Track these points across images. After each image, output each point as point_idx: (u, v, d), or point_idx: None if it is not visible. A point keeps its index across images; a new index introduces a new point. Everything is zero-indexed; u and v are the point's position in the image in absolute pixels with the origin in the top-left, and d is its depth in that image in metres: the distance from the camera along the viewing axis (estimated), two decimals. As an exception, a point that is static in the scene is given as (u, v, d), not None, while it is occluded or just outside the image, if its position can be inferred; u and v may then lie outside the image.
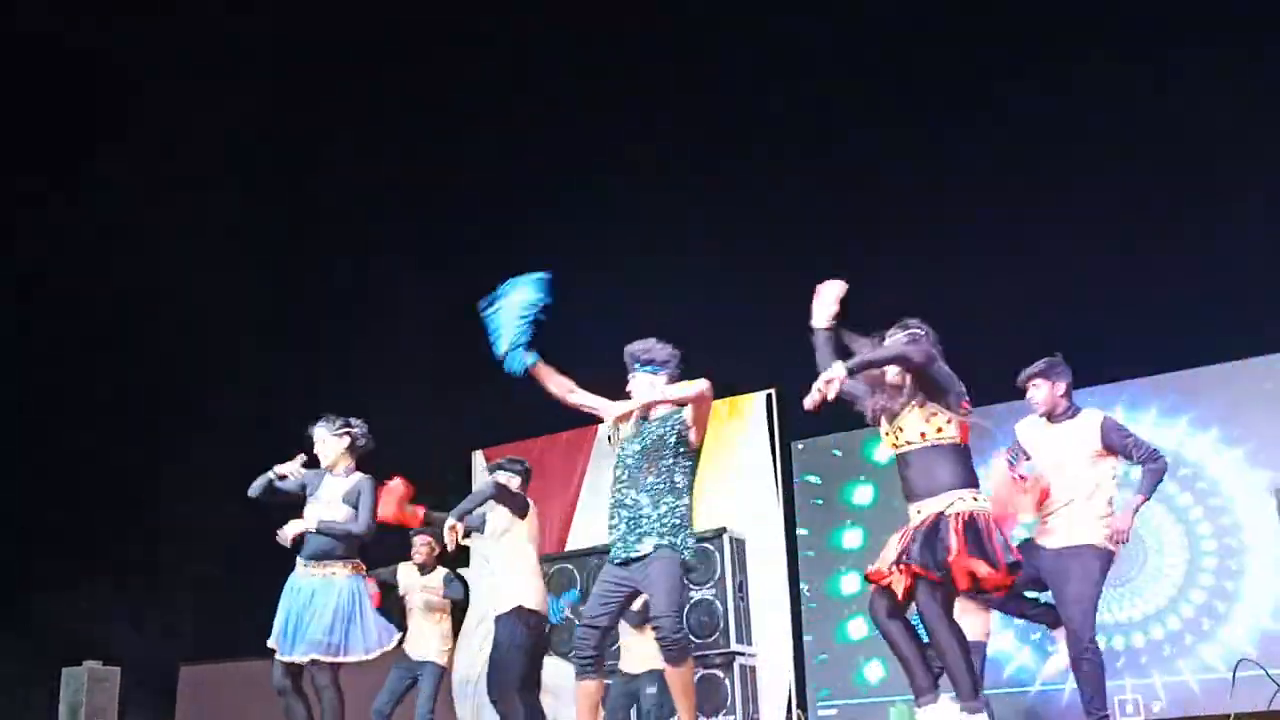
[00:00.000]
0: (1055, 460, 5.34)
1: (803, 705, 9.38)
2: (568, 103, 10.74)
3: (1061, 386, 5.42)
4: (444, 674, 7.60)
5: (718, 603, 8.21)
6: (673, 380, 5.01)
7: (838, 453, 10.05)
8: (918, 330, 4.74)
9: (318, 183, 11.21)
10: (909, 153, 9.92)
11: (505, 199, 11.22)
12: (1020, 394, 5.53)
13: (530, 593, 6.37)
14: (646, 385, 5.03)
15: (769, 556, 9.41)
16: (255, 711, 9.84)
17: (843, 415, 9.58)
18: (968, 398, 4.58)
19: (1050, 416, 5.46)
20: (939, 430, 4.53)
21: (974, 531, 4.34)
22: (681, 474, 4.85)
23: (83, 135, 11.07)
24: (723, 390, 9.79)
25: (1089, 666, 5.00)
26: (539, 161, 11.00)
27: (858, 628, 9.53)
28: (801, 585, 9.88)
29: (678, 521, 4.75)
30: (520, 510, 6.44)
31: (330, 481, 5.81)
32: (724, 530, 8.35)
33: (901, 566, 4.44)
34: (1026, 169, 9.42)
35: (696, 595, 8.24)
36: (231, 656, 10.30)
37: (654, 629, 4.68)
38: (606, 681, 4.98)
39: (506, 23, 10.57)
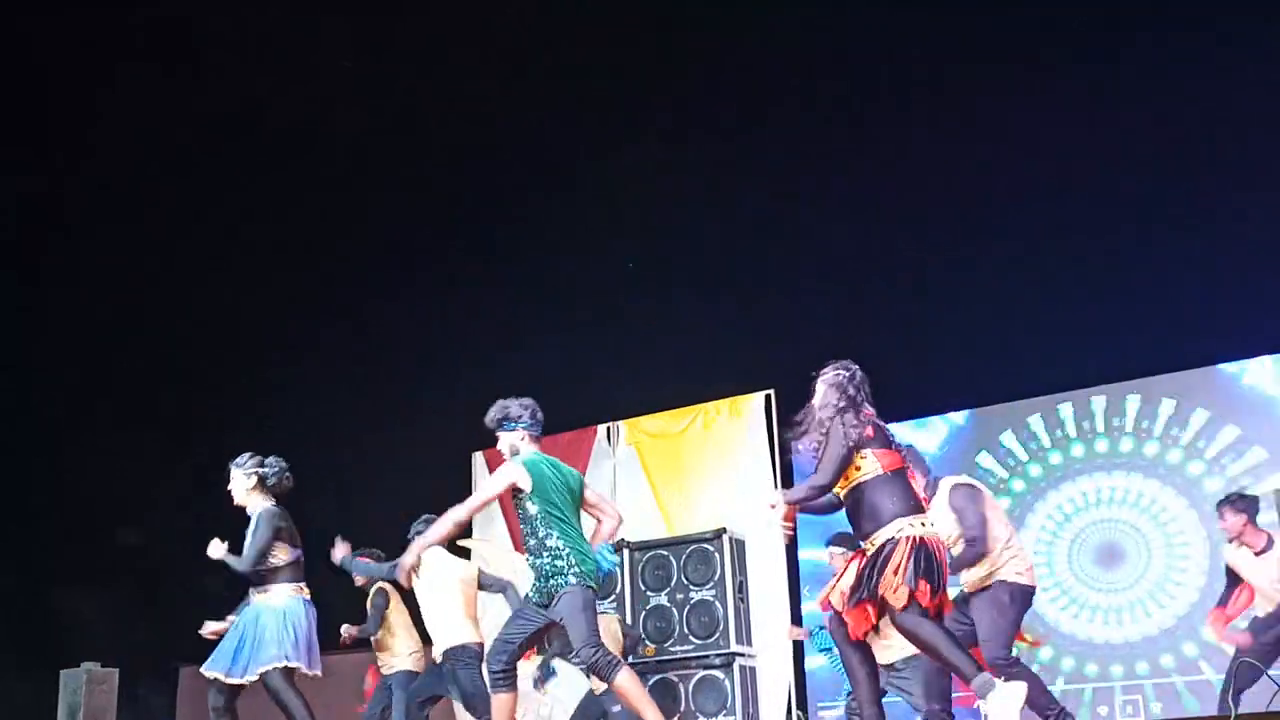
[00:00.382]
0: None
1: (803, 706, 9.38)
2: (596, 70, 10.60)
3: None
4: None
5: (717, 603, 8.20)
6: (527, 433, 5.78)
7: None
8: (837, 382, 4.82)
9: (316, 180, 11.19)
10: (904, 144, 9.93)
11: (514, 195, 11.19)
12: None
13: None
14: (506, 443, 5.72)
15: (769, 557, 9.42)
16: (255, 713, 9.85)
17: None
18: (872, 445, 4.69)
19: None
20: (857, 469, 4.68)
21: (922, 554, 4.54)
22: (545, 531, 5.30)
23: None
24: (722, 391, 9.88)
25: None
26: (540, 145, 10.95)
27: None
28: (803, 587, 9.89)
29: (563, 564, 5.21)
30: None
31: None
32: (724, 531, 8.34)
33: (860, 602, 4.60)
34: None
35: (696, 596, 8.23)
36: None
37: (577, 660, 5.16)
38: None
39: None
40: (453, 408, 10.89)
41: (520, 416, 5.71)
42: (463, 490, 10.67)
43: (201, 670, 5.76)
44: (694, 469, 9.52)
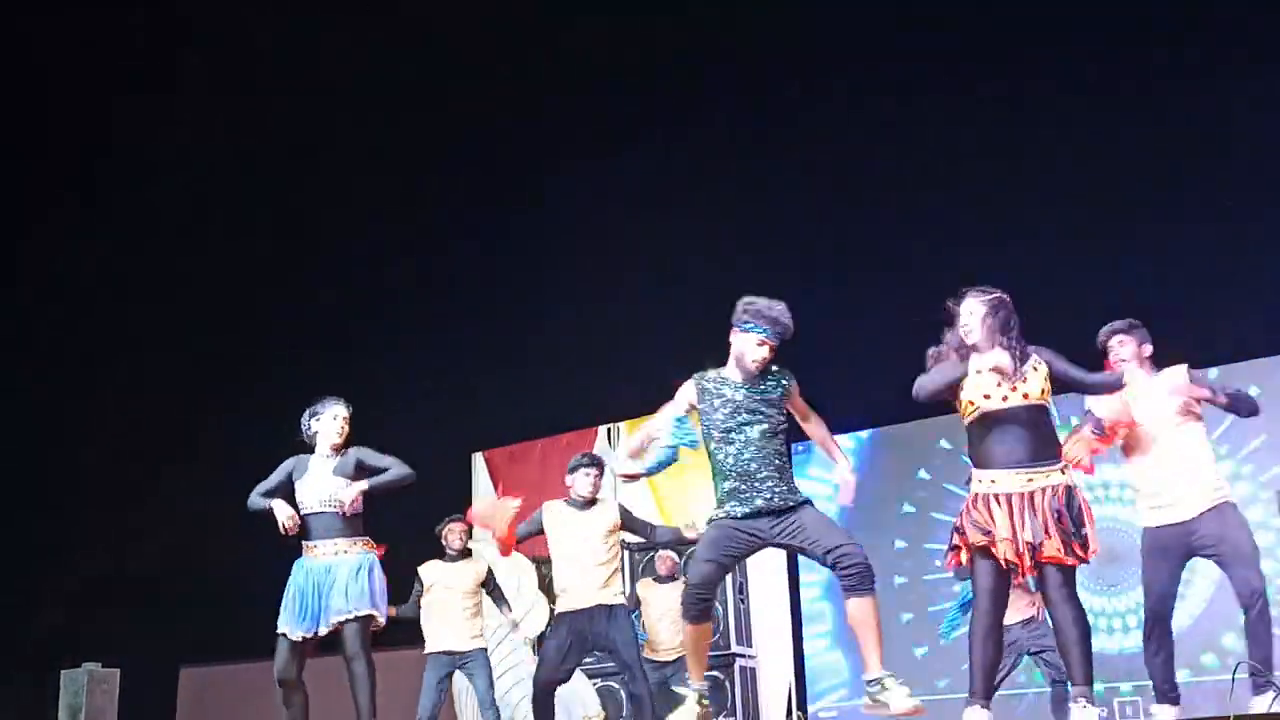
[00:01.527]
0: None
1: (803, 706, 9.39)
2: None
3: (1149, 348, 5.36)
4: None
5: (718, 604, 8.21)
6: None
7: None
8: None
9: (316, 180, 11.18)
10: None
11: (513, 193, 11.16)
12: None
13: None
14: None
15: (769, 557, 9.43)
16: (255, 713, 9.84)
17: (844, 417, 9.56)
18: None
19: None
20: (1042, 392, 4.50)
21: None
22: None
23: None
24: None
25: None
26: (526, 144, 10.91)
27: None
28: (801, 589, 9.88)
29: None
30: None
31: (319, 462, 5.68)
32: (724, 531, 8.34)
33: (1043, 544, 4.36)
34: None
35: (697, 596, 8.23)
36: (232, 658, 10.30)
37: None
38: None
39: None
40: (454, 408, 10.93)
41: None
42: (463, 492, 10.70)
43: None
44: (696, 470, 9.50)
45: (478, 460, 11.02)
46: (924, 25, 9.67)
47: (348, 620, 5.40)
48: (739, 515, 4.58)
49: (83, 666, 9.19)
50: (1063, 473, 4.48)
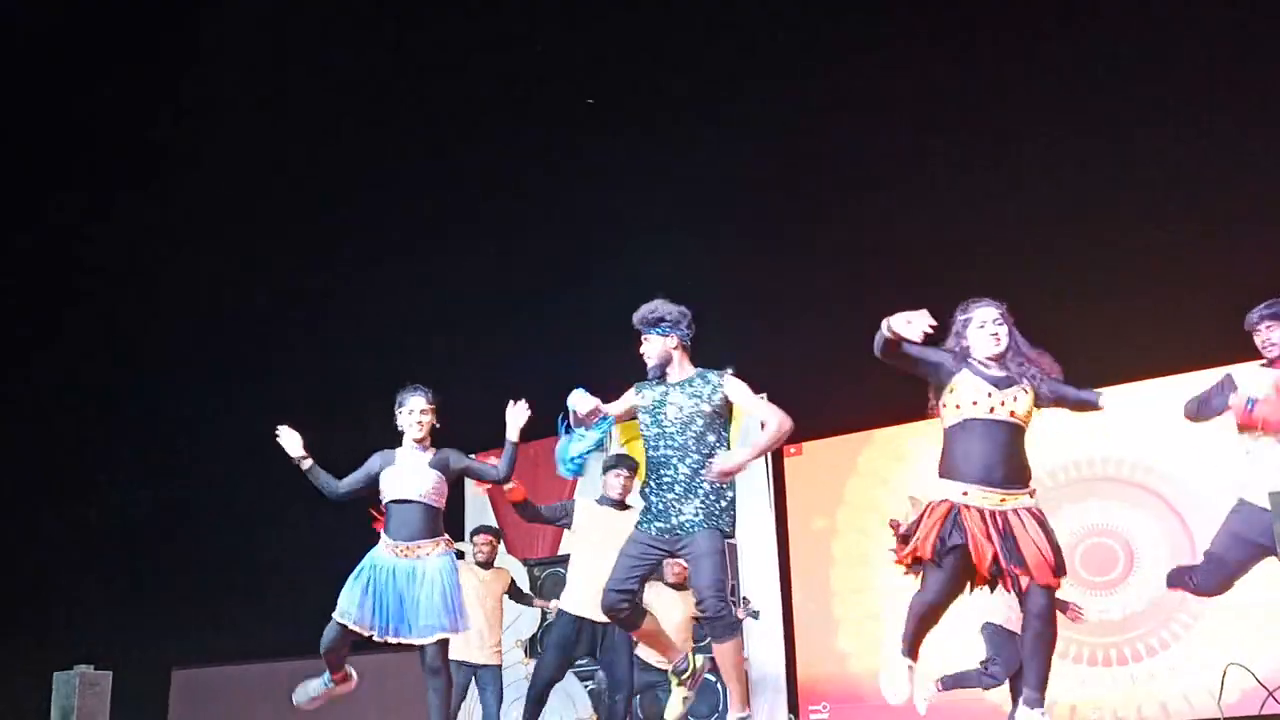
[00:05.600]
0: None
1: (794, 709, 9.40)
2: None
3: None
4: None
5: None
6: (682, 344, 4.95)
7: (829, 456, 10.02)
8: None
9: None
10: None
11: (483, 189, 11.06)
12: None
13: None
14: (659, 346, 4.92)
15: (761, 560, 9.45)
16: (247, 716, 9.84)
17: (835, 420, 9.59)
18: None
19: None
20: (1027, 414, 4.52)
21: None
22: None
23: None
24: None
25: None
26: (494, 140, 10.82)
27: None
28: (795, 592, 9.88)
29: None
30: None
31: (409, 456, 5.69)
32: (716, 533, 8.34)
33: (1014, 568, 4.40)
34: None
35: (688, 598, 8.24)
36: (224, 661, 10.30)
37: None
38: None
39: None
40: (451, 412, 10.84)
41: (679, 322, 5.03)
42: (458, 494, 10.64)
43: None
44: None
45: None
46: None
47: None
48: (645, 529, 4.81)
49: (74, 668, 9.18)
50: (1030, 496, 4.50)
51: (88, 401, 11.64)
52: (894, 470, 9.40)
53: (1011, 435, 4.44)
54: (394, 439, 5.82)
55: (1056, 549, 4.41)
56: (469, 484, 10.87)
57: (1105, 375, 6.01)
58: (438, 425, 5.80)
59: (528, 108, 10.54)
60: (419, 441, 5.69)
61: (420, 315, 10.83)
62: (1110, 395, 4.69)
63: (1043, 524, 4.41)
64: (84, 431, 11.59)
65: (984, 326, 4.55)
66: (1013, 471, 4.43)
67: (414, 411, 5.70)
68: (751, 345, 8.99)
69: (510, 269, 10.88)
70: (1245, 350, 5.77)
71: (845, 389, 8.77)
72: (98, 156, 11.11)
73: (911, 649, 4.60)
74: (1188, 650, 8.26)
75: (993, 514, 4.38)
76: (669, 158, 9.99)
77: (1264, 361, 5.61)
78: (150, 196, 11.13)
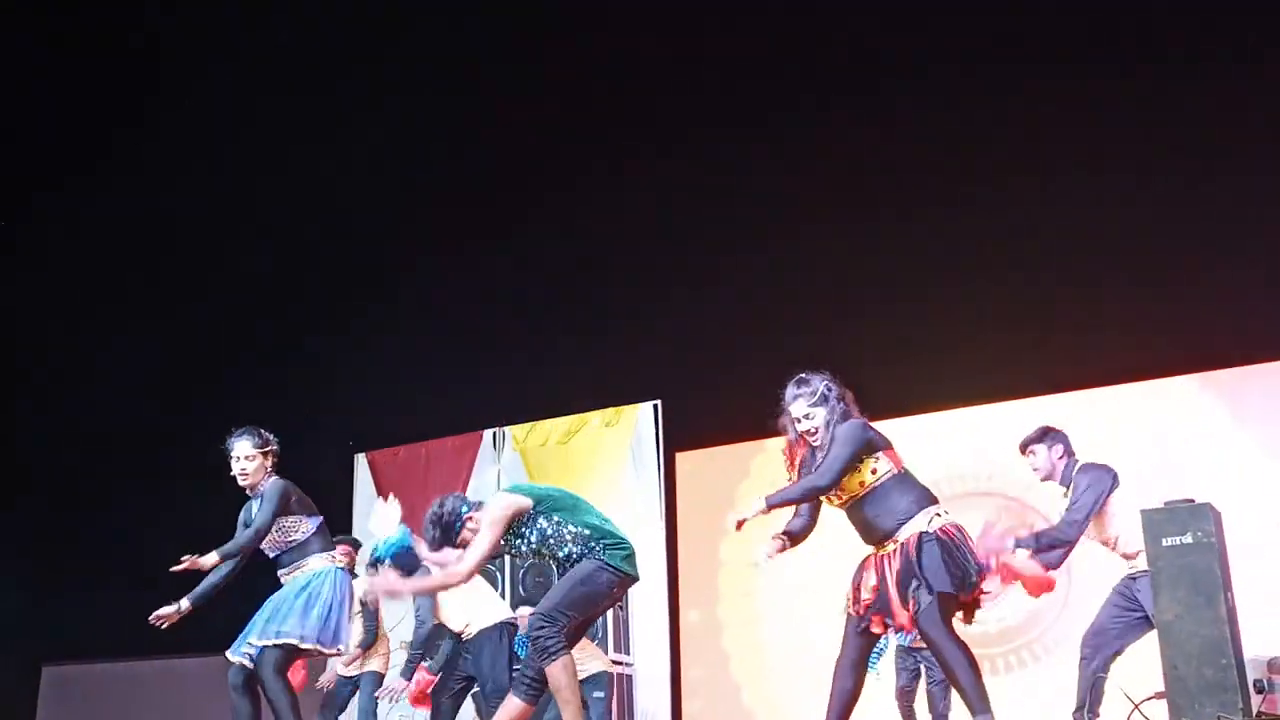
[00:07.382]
0: None
1: (678, 714, 9.44)
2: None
3: None
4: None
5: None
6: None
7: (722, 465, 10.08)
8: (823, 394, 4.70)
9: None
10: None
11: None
12: None
13: None
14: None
15: (650, 568, 9.46)
16: (117, 712, 9.64)
17: (727, 427, 9.61)
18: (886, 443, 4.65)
19: None
20: (873, 473, 4.59)
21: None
22: None
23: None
24: (608, 399, 9.86)
25: None
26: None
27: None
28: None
29: None
30: None
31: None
32: (606, 539, 8.35)
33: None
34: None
35: (577, 604, 8.23)
36: (95, 658, 10.09)
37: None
38: None
39: None
40: (336, 409, 10.73)
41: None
42: (345, 494, 10.53)
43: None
44: (580, 476, 9.50)
45: (360, 461, 10.90)
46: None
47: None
48: None
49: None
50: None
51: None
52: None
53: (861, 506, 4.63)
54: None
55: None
56: (359, 484, 10.80)
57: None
58: (268, 467, 5.47)
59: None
60: (250, 489, 5.46)
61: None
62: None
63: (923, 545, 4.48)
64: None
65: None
66: (881, 526, 4.60)
67: (238, 459, 5.44)
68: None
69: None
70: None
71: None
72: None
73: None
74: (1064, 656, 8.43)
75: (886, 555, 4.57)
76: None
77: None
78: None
